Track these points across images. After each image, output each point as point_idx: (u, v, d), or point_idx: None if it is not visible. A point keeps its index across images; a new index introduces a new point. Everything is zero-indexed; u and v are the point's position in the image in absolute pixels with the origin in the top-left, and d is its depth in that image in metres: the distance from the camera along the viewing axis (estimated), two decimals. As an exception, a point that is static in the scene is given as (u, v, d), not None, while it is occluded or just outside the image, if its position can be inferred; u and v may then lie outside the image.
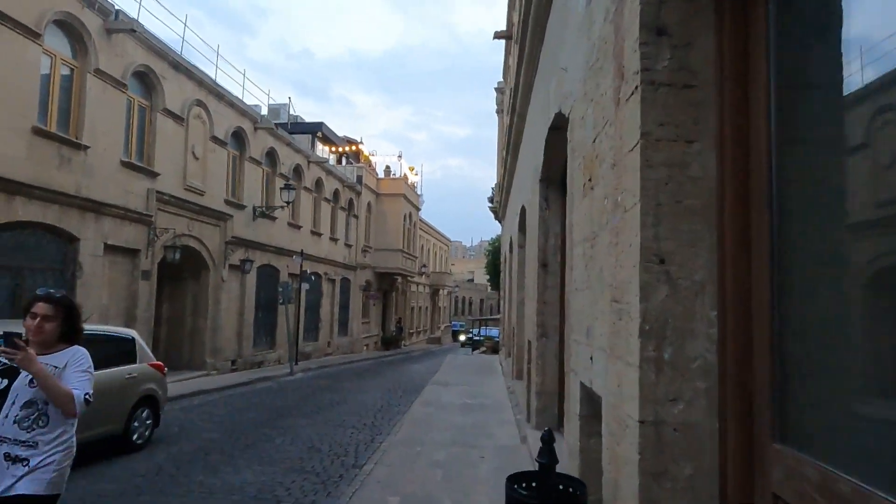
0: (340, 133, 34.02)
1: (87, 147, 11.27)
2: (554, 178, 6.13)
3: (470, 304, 65.61)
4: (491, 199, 26.90)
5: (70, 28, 11.05)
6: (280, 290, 18.55)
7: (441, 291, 51.24)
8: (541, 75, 6.29)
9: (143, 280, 13.15)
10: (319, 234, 23.83)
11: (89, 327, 7.48)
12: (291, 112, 31.34)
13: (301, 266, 20.58)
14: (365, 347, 29.87)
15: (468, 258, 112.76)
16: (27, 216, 10.01)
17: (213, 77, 16.01)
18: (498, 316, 32.16)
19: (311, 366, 20.42)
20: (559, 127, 5.11)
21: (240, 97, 17.45)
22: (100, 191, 11.65)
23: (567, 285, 3.98)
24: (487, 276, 59.45)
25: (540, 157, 6.09)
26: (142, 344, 8.13)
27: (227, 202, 16.75)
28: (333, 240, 25.54)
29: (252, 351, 18.46)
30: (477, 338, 36.22)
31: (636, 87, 2.16)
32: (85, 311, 9.25)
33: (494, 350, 26.06)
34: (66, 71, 11.11)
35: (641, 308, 2.03)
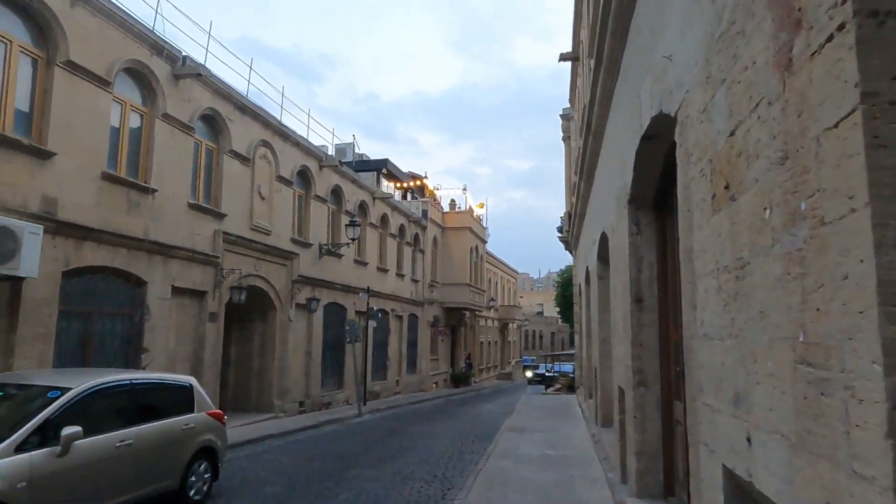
0: (405, 169, 34.13)
1: (155, 190, 11.34)
2: (645, 198, 5.26)
3: (540, 337, 63.73)
4: (560, 230, 25.85)
5: (139, 75, 11.27)
6: (347, 328, 18.18)
7: (510, 325, 49.95)
8: (625, 82, 5.50)
9: (211, 322, 13.04)
10: (386, 271, 23.53)
11: (143, 376, 7.16)
12: (357, 151, 31.80)
13: (367, 303, 20.24)
14: (434, 385, 29.09)
15: (536, 290, 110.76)
16: (96, 261, 10.04)
17: (279, 118, 16.14)
18: (572, 351, 30.65)
19: (379, 406, 19.83)
20: (655, 135, 4.28)
21: (305, 137, 17.54)
22: (167, 233, 11.67)
23: (686, 329, 3.10)
24: (557, 309, 57.67)
25: (627, 174, 5.25)
26: (200, 391, 7.72)
27: (294, 241, 16.66)
28: (400, 275, 25.19)
29: (320, 391, 18.08)
30: (549, 374, 34.72)
31: (840, 29, 1.36)
32: (143, 356, 9.00)
33: (570, 388, 24.61)
34: (135, 116, 11.29)
35: (892, 385, 1.19)
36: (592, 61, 7.20)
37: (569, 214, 24.14)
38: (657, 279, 5.19)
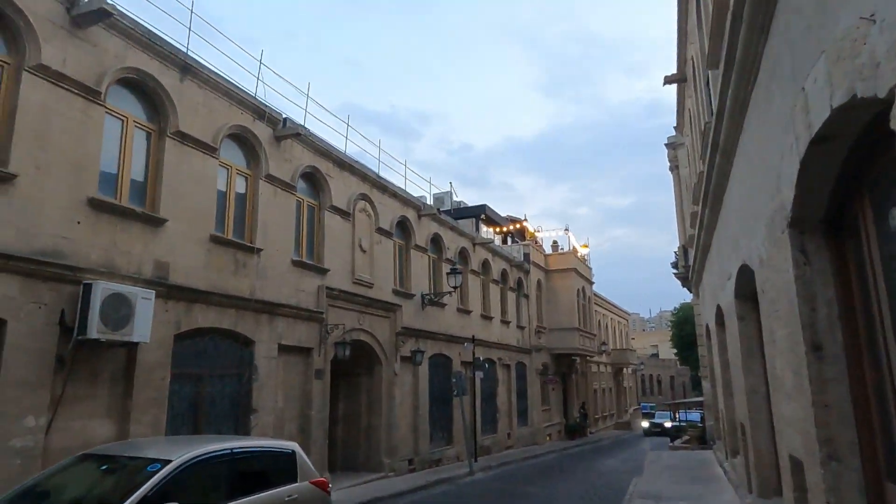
0: (503, 214, 33.64)
1: (260, 250, 11.50)
2: (813, 219, 4.20)
3: (658, 382, 59.43)
4: (675, 265, 23.90)
5: (243, 139, 11.65)
6: (454, 380, 17.49)
7: (625, 370, 46.95)
8: (772, 80, 4.54)
9: (317, 379, 12.86)
10: (490, 318, 22.77)
11: (245, 444, 6.82)
12: (454, 199, 31.83)
13: (473, 353, 19.50)
14: (548, 437, 27.44)
15: (649, 331, 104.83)
16: (206, 323, 10.16)
17: (377, 171, 16.24)
18: (699, 399, 27.85)
19: (490, 463, 18.74)
20: (831, 136, 3.32)
21: (402, 188, 17.54)
22: (273, 292, 11.73)
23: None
24: (675, 351, 53.55)
25: (785, 192, 4.24)
26: (303, 458, 7.27)
27: (396, 292, 16.43)
28: (505, 322, 24.31)
29: (429, 448, 17.36)
30: (672, 423, 31.70)
31: None
32: (252, 417, 8.74)
33: (701, 440, 22.11)
34: (240, 179, 11.63)
35: None
36: (718, 69, 6.25)
37: (683, 248, 22.29)
38: (841, 320, 4.06)
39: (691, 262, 18.16)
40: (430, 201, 22.36)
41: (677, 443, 24.27)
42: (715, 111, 6.93)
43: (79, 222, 8.25)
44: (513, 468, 18.49)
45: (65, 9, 8.29)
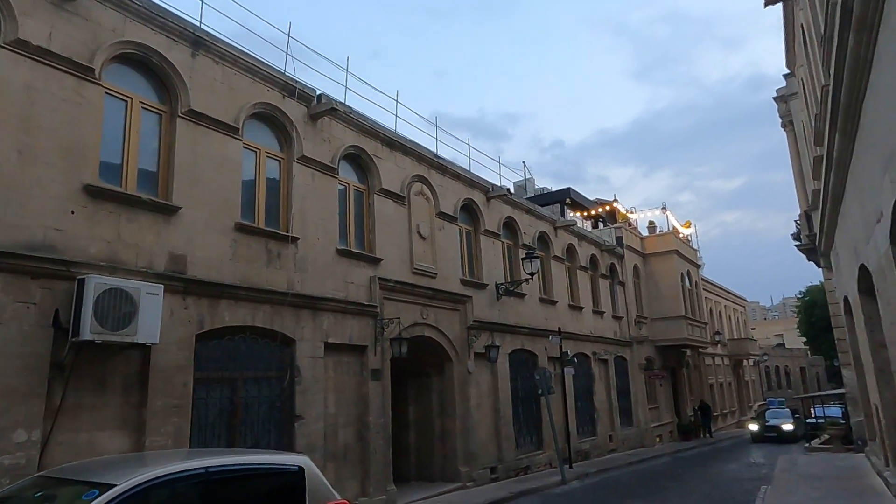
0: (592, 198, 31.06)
1: (296, 239, 10.36)
2: None
3: (786, 374, 53.24)
4: (797, 236, 20.39)
5: (272, 119, 10.60)
6: (537, 378, 15.60)
7: (745, 362, 42.21)
8: None
9: (374, 380, 11.54)
10: (579, 309, 20.55)
11: (232, 461, 5.43)
12: (536, 186, 29.77)
13: (560, 347, 17.46)
14: (657, 439, 24.59)
15: (771, 320, 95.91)
16: (235, 321, 9.11)
17: (434, 151, 14.78)
18: (839, 390, 23.79)
19: (588, 469, 16.60)
20: None
21: (466, 168, 15.95)
22: (315, 285, 10.56)
23: None
24: (803, 339, 47.57)
25: None
26: (317, 478, 5.81)
27: (464, 282, 14.84)
28: (598, 313, 21.94)
29: (515, 454, 15.57)
30: (807, 420, 26.64)
31: None
32: (296, 425, 7.47)
33: (846, 441, 18.55)
34: (271, 163, 10.56)
35: None
36: None
37: (806, 215, 18.92)
38: None
39: (816, 229, 15.12)
40: (499, 182, 20.55)
41: (815, 443, 20.68)
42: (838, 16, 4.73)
43: (73, 212, 7.40)
44: (614, 475, 16.25)
45: (49, -20, 7.51)
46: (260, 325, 9.47)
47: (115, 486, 4.35)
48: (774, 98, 21.69)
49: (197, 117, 9.12)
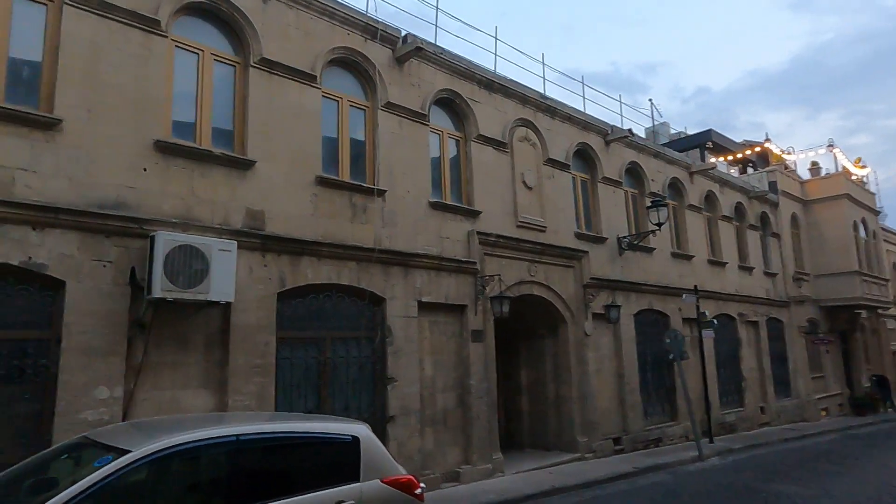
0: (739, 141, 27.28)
1: (383, 192, 9.69)
2: None
3: None
4: None
5: (353, 64, 9.92)
6: (667, 341, 13.83)
7: (941, 326, 35.49)
8: None
9: (476, 342, 10.71)
10: (722, 264, 18.03)
11: (270, 428, 4.69)
12: (672, 130, 26.77)
13: (697, 307, 15.37)
14: (823, 413, 21.34)
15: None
16: (319, 278, 8.69)
17: (542, 91, 13.33)
18: None
19: (733, 444, 14.59)
20: None
21: (581, 109, 14.29)
22: (405, 240, 9.87)
23: None
24: None
25: None
26: (375, 448, 5.12)
27: (579, 236, 13.39)
28: (745, 269, 19.16)
29: (643, 424, 14.04)
30: None
31: None
32: (389, 387, 6.71)
33: None
34: (354, 112, 9.92)
35: None
36: None
37: None
38: None
39: None
40: (643, 135, 18.39)
41: None
42: None
43: (145, 169, 7.27)
44: (764, 453, 14.10)
45: (111, -68, 7.30)
46: (346, 283, 8.99)
47: (130, 451, 3.93)
48: None
49: (271, 66, 8.66)
